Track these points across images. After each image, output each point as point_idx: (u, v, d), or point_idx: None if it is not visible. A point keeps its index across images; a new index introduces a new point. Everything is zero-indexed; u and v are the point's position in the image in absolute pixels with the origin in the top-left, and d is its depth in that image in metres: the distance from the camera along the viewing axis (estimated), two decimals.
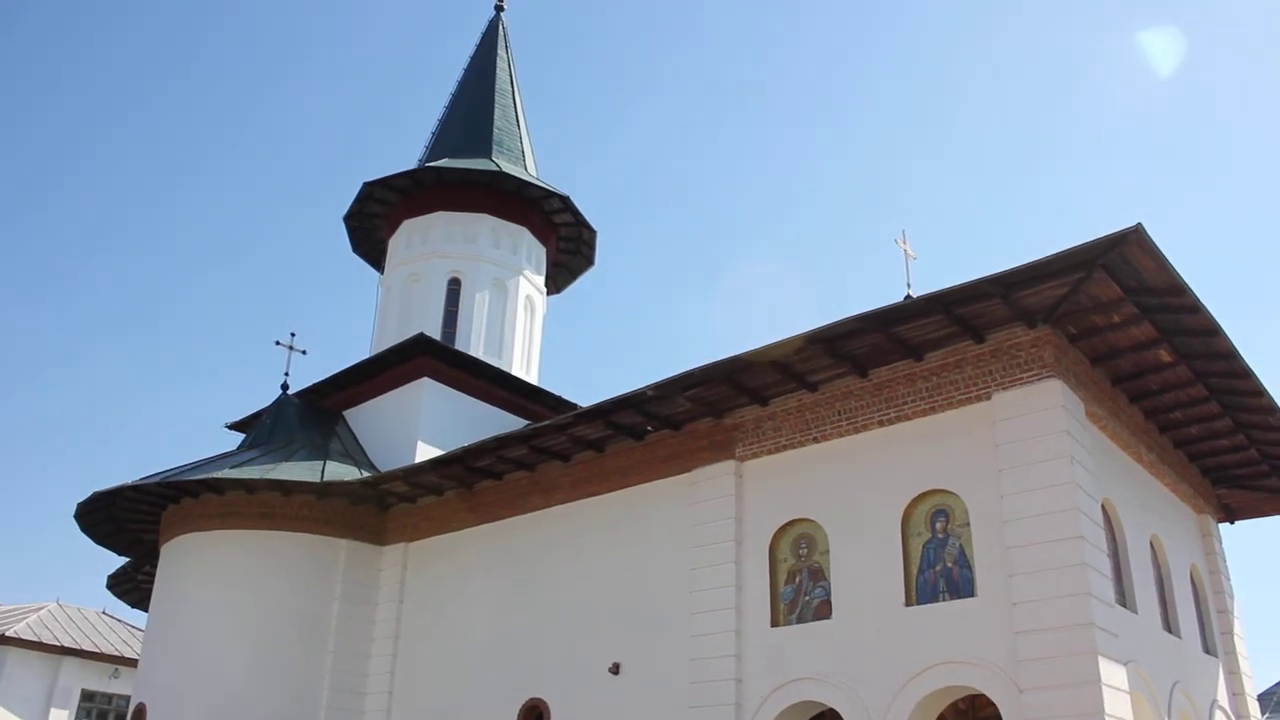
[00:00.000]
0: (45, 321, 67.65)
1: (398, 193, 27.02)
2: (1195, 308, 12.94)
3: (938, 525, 14.08)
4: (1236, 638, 17.80)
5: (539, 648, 18.00)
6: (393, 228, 27.59)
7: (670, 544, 16.64)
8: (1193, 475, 17.92)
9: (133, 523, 22.81)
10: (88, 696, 33.26)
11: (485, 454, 18.75)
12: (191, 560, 21.07)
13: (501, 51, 30.55)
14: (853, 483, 14.95)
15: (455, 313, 25.71)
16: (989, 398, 13.89)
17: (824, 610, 14.73)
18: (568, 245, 28.78)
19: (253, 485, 20.38)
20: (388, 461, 21.87)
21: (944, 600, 13.65)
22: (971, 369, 14.14)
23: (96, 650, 33.44)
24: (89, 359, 68.75)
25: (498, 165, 26.83)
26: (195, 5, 68.40)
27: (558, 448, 18.29)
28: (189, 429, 66.87)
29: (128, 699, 27.24)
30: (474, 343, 25.20)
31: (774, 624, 15.12)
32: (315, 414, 23.66)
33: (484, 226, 26.53)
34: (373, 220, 28.06)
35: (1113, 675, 12.17)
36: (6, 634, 31.55)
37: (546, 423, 17.90)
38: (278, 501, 20.72)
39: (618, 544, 17.55)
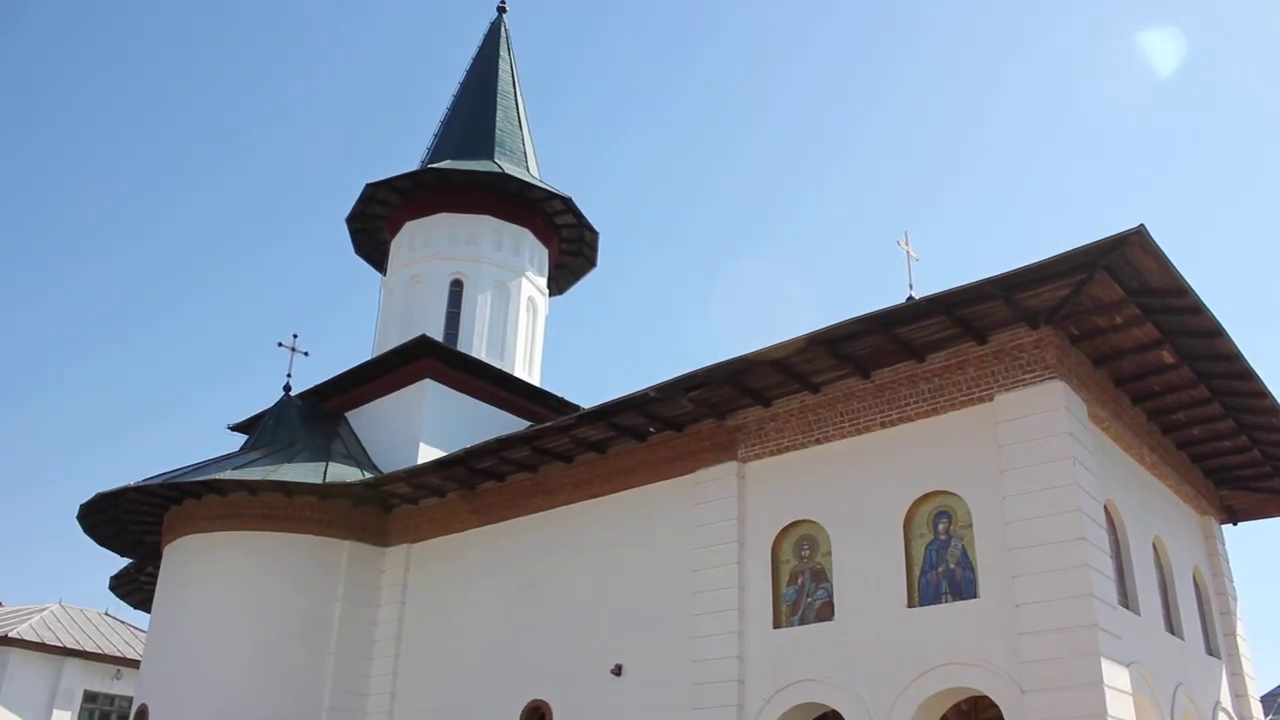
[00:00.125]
0: (48, 323, 67.79)
1: (400, 194, 27.04)
2: (1198, 309, 12.93)
3: (940, 527, 14.07)
4: (1239, 639, 17.78)
5: (541, 649, 18.00)
6: (395, 229, 27.61)
7: (672, 545, 16.64)
8: (1195, 477, 17.90)
9: (135, 524, 22.83)
10: (90, 698, 33.27)
11: (487, 455, 18.75)
12: (194, 561, 21.08)
13: (504, 53, 30.57)
14: (855, 484, 14.94)
15: (457, 314, 25.73)
16: (991, 399, 13.88)
17: (826, 612, 14.72)
18: (570, 246, 28.78)
19: (255, 486, 20.39)
20: (390, 463, 21.89)
21: (946, 602, 13.63)
22: (974, 370, 14.14)
23: (99, 651, 33.45)
24: (91, 361, 68.88)
25: (500, 167, 26.85)
26: (198, 7, 68.52)
27: (560, 449, 18.29)
28: (191, 430, 67.04)
29: (130, 700, 27.26)
30: (476, 344, 25.21)
31: (776, 625, 15.12)
32: (318, 415, 23.68)
33: (486, 228, 26.54)
34: (375, 222, 28.08)
35: (1115, 677, 12.16)
36: (9, 635, 31.56)
37: (549, 424, 17.91)
38: (280, 503, 20.73)
39: (620, 545, 17.55)
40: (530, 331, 26.99)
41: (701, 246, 70.34)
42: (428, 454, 21.48)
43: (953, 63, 65.13)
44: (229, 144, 71.12)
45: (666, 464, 17.24)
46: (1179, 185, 61.80)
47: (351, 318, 66.43)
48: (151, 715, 20.22)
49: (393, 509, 21.63)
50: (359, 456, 22.35)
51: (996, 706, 12.92)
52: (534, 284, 27.20)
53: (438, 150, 28.57)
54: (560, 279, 29.67)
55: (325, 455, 21.68)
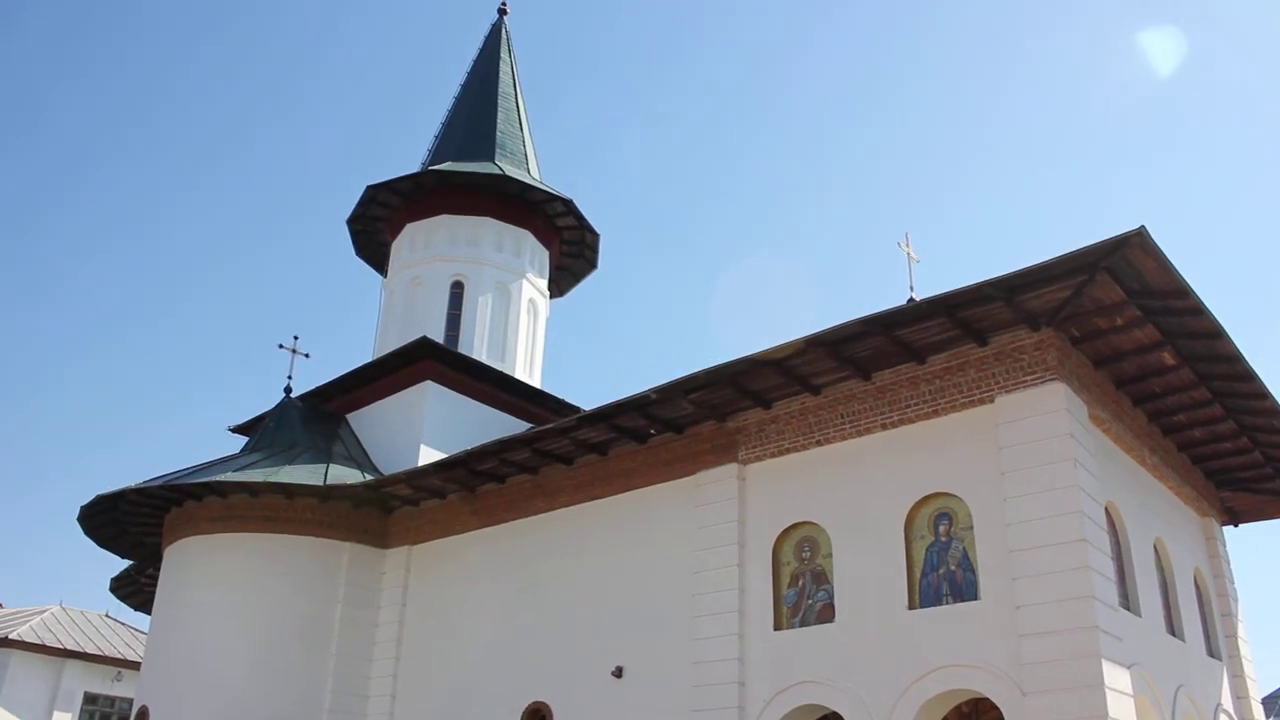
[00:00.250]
0: (49, 325, 67.82)
1: (401, 196, 27.05)
2: (1199, 310, 12.92)
3: (941, 528, 14.06)
4: (1240, 641, 17.77)
5: (541, 651, 17.99)
6: (396, 231, 27.62)
7: (673, 547, 16.63)
8: (1196, 478, 17.90)
9: (136, 526, 22.83)
10: (90, 699, 33.27)
11: (488, 457, 18.75)
12: (195, 563, 21.08)
13: (504, 55, 30.59)
14: (856, 486, 14.93)
15: (458, 316, 25.74)
16: (992, 401, 13.88)
17: (827, 614, 14.71)
18: (571, 248, 28.79)
19: (256, 488, 20.39)
20: (391, 465, 21.89)
21: (947, 603, 13.62)
22: (974, 372, 14.13)
23: (99, 653, 33.46)
24: (93, 362, 68.91)
25: (500, 168, 26.86)
26: (199, 10, 68.57)
27: (561, 451, 18.29)
28: (192, 432, 67.06)
29: (131, 702, 27.25)
30: (477, 346, 25.22)
31: (777, 627, 15.11)
32: (318, 417, 23.68)
33: (487, 230, 26.55)
34: (376, 224, 28.09)
35: (1116, 679, 12.15)
36: (10, 637, 31.58)
37: (549, 426, 17.91)
38: (281, 504, 20.73)
39: (620, 547, 17.55)
40: (531, 333, 26.99)
41: (702, 248, 70.41)
42: (428, 456, 21.48)
43: (953, 65, 65.18)
44: (230, 145, 71.24)
45: (667, 466, 17.24)
46: (1180, 186, 61.83)
47: (352, 319, 66.50)
48: (152, 717, 20.21)
49: (393, 511, 21.63)
50: (359, 458, 22.36)
51: (997, 708, 12.91)
52: (535, 286, 27.20)
53: (438, 152, 28.59)
54: (561, 281, 29.68)
55: (326, 457, 21.68)
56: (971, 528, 13.71)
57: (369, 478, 20.89)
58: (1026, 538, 12.89)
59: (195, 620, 20.42)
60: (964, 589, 13.57)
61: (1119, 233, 11.83)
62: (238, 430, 25.91)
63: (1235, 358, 13.93)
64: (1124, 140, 62.89)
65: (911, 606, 13.84)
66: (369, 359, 24.87)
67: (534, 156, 29.23)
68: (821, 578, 15.00)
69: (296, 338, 25.15)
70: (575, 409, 22.60)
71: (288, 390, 24.26)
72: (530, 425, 22.03)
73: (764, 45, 68.42)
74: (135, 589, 27.29)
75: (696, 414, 16.49)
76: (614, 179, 68.34)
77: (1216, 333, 13.32)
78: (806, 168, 69.67)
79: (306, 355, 25.41)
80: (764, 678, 14.83)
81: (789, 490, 15.65)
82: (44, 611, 34.66)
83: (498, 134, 28.44)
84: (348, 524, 21.20)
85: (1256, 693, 17.88)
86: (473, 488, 20.08)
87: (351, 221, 27.99)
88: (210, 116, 70.62)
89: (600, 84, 72.45)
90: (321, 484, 20.31)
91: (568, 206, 27.15)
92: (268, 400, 26.39)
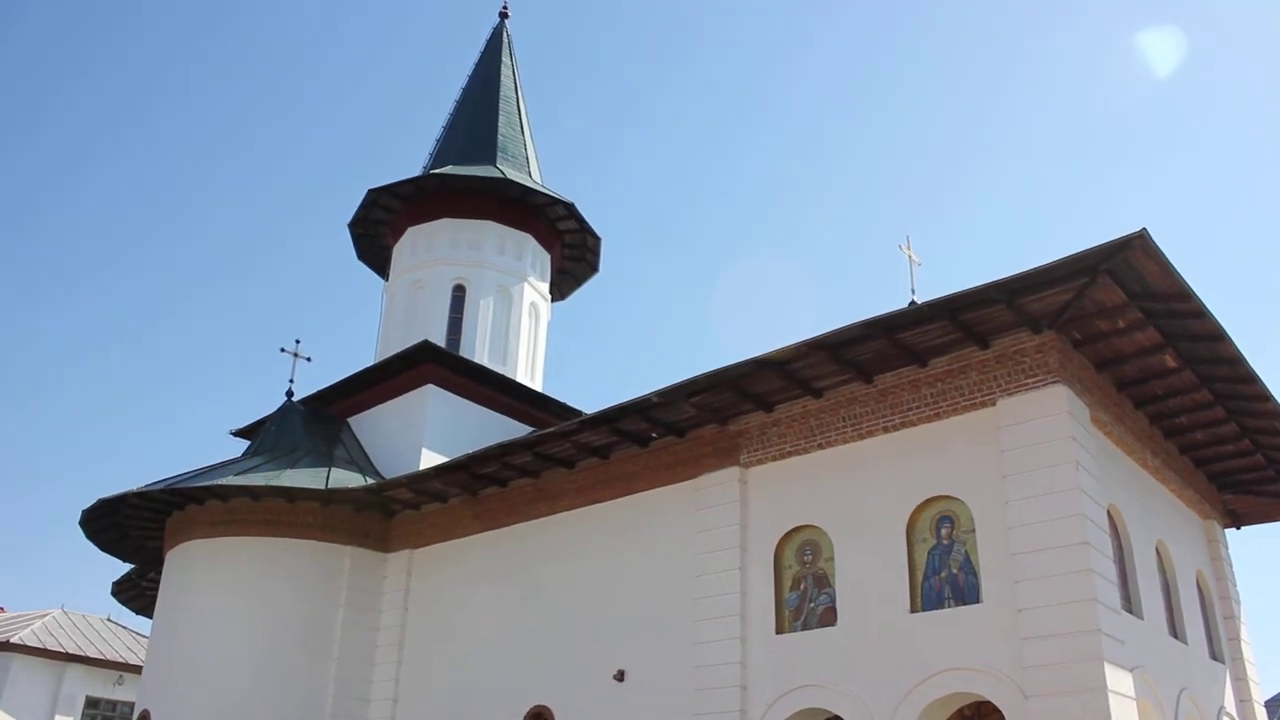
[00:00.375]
0: (51, 328, 67.87)
1: (402, 200, 27.06)
2: (1200, 313, 12.92)
3: (943, 531, 14.05)
4: (1243, 644, 17.73)
5: (543, 654, 17.97)
6: (397, 235, 27.63)
7: (675, 551, 16.62)
8: (1198, 480, 17.88)
9: (137, 529, 22.83)
10: (92, 703, 33.27)
11: (490, 461, 18.74)
12: (196, 567, 21.08)
13: (506, 59, 30.61)
14: (857, 489, 14.92)
15: (460, 320, 25.75)
16: (994, 404, 13.87)
17: (829, 617, 14.70)
18: (572, 252, 28.80)
19: (257, 492, 20.39)
20: (392, 468, 21.88)
21: (949, 607, 13.60)
22: (976, 375, 14.13)
23: (101, 657, 33.47)
24: (94, 366, 68.96)
25: (502, 172, 26.87)
26: (200, 15, 68.66)
27: (562, 454, 18.29)
28: (194, 436, 67.12)
29: (132, 706, 27.27)
30: (479, 349, 25.22)
31: (779, 631, 15.09)
32: (320, 421, 23.68)
33: (488, 233, 26.56)
34: (377, 227, 28.10)
35: (1119, 682, 12.13)
36: (11, 640, 31.58)
37: (551, 429, 17.91)
38: (282, 508, 20.73)
39: (622, 551, 17.53)
40: (532, 337, 26.99)
41: (703, 251, 70.43)
42: (430, 459, 21.48)
43: (953, 65, 65.20)
44: (231, 148, 71.31)
45: (668, 469, 17.23)
46: (1180, 186, 61.83)
47: (354, 323, 66.64)
48: None
49: (395, 514, 21.62)
50: (361, 462, 22.36)
51: (1000, 712, 12.87)
52: (536, 289, 27.20)
53: (440, 156, 28.61)
54: (562, 284, 29.68)
55: (327, 461, 21.68)
56: (973, 531, 13.69)
57: (370, 481, 20.89)
58: (1028, 541, 12.87)
59: (197, 624, 20.41)
60: (966, 592, 13.55)
61: (1120, 235, 11.83)
62: (239, 434, 25.93)
63: (1237, 360, 13.93)
64: (1124, 140, 62.95)
65: (913, 610, 13.82)
66: (370, 363, 24.87)
67: (535, 160, 29.25)
68: (823, 581, 14.99)
69: (298, 341, 25.22)
70: (577, 412, 22.60)
71: (289, 394, 24.27)
72: (532, 429, 22.04)
73: (764, 45, 68.52)
74: (137, 593, 27.29)
75: (698, 417, 16.48)
76: (614, 181, 68.45)
77: (1218, 335, 13.32)
78: (806, 168, 69.75)
79: (308, 359, 25.46)
80: (766, 681, 14.81)
81: (791, 493, 15.64)
82: (45, 615, 34.67)
83: (499, 137, 28.46)
84: (349, 528, 21.19)
85: (1260, 695, 17.84)
86: (474, 491, 20.08)
87: (353, 225, 28.00)
88: (212, 119, 70.77)
89: (601, 85, 72.56)
90: (323, 488, 20.31)
91: (569, 210, 27.16)
92: (269, 404, 26.49)
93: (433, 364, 22.88)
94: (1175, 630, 15.57)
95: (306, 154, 72.23)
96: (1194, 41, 56.04)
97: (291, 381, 24.49)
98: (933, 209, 63.28)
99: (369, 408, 23.85)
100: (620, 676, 16.63)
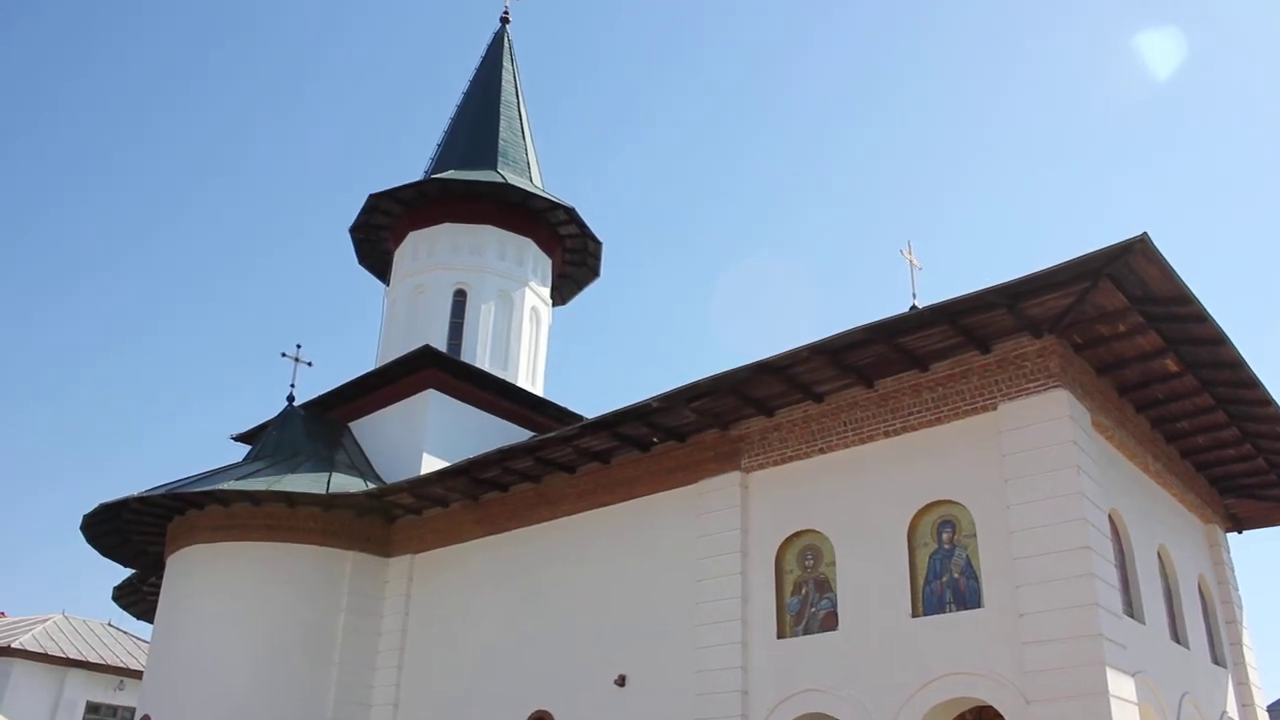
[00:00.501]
0: (52, 333, 67.91)
1: (403, 205, 27.09)
2: (1201, 317, 12.92)
3: (944, 536, 14.04)
4: (1245, 648, 17.71)
5: (545, 659, 17.96)
6: (398, 240, 27.66)
7: (676, 555, 16.61)
8: (1200, 485, 17.86)
9: (138, 534, 22.83)
10: (93, 708, 33.22)
11: (491, 465, 18.74)
12: (197, 572, 21.07)
13: (507, 64, 30.66)
14: (859, 494, 14.92)
15: (461, 324, 25.77)
16: (995, 408, 13.86)
17: (830, 622, 14.68)
18: (573, 257, 28.82)
19: (258, 497, 20.39)
20: (393, 473, 21.88)
21: (951, 611, 13.59)
22: (977, 379, 14.13)
23: (102, 662, 33.43)
24: (95, 372, 69.00)
25: (503, 177, 26.89)
26: (201, 20, 68.76)
27: (563, 459, 18.29)
28: (195, 441, 67.14)
29: (133, 711, 27.23)
30: (479, 354, 25.22)
31: (780, 635, 15.08)
32: (321, 426, 23.68)
33: (489, 238, 26.59)
34: (378, 232, 28.13)
35: (1121, 686, 12.12)
36: (12, 645, 31.55)
37: (552, 434, 17.90)
38: (283, 513, 20.73)
39: (623, 555, 17.53)
40: (533, 341, 27.00)
41: (704, 256, 70.46)
42: (431, 464, 21.47)
43: (953, 65, 65.25)
44: (232, 153, 71.40)
45: (670, 474, 17.23)
46: (1181, 187, 61.86)
47: (355, 328, 66.64)
48: None
49: (396, 519, 21.61)
50: (362, 467, 22.36)
51: (1001, 717, 12.86)
52: (537, 294, 27.22)
53: (441, 160, 28.64)
54: (563, 289, 29.70)
55: (328, 466, 21.68)
56: (975, 535, 13.68)
57: (372, 486, 20.89)
58: (1030, 545, 12.86)
59: (198, 629, 20.40)
60: (967, 597, 13.54)
61: (1122, 239, 11.83)
62: (240, 439, 25.95)
63: (1238, 364, 13.92)
64: (1125, 141, 63.00)
65: (915, 614, 13.81)
66: (372, 367, 24.88)
67: (536, 164, 29.28)
68: (824, 586, 14.97)
69: (299, 346, 25.26)
70: (578, 417, 22.58)
71: (290, 399, 24.29)
72: (533, 433, 22.02)
73: (764, 45, 68.58)
74: (138, 598, 27.28)
75: (699, 422, 16.48)
76: (615, 184, 68.51)
77: (1219, 339, 13.32)
78: (809, 176, 69.80)
79: (309, 364, 25.48)
80: (767, 686, 14.80)
81: (792, 498, 15.64)
82: (46, 620, 34.64)
83: (500, 142, 28.50)
84: (350, 532, 21.19)
85: (1262, 700, 17.81)
86: (475, 496, 20.08)
87: (354, 230, 28.03)
88: (213, 124, 70.85)
89: (601, 87, 72.66)
90: (324, 492, 20.31)
91: (570, 215, 27.18)
92: (270, 409, 26.48)
93: (434, 369, 22.89)
94: (1177, 635, 15.55)
95: (307, 158, 72.37)
96: (1194, 42, 56.15)
97: (293, 386, 24.55)
98: (933, 209, 63.39)
99: (370, 412, 23.86)
100: (621, 681, 16.62)
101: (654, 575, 16.87)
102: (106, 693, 33.50)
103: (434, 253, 26.57)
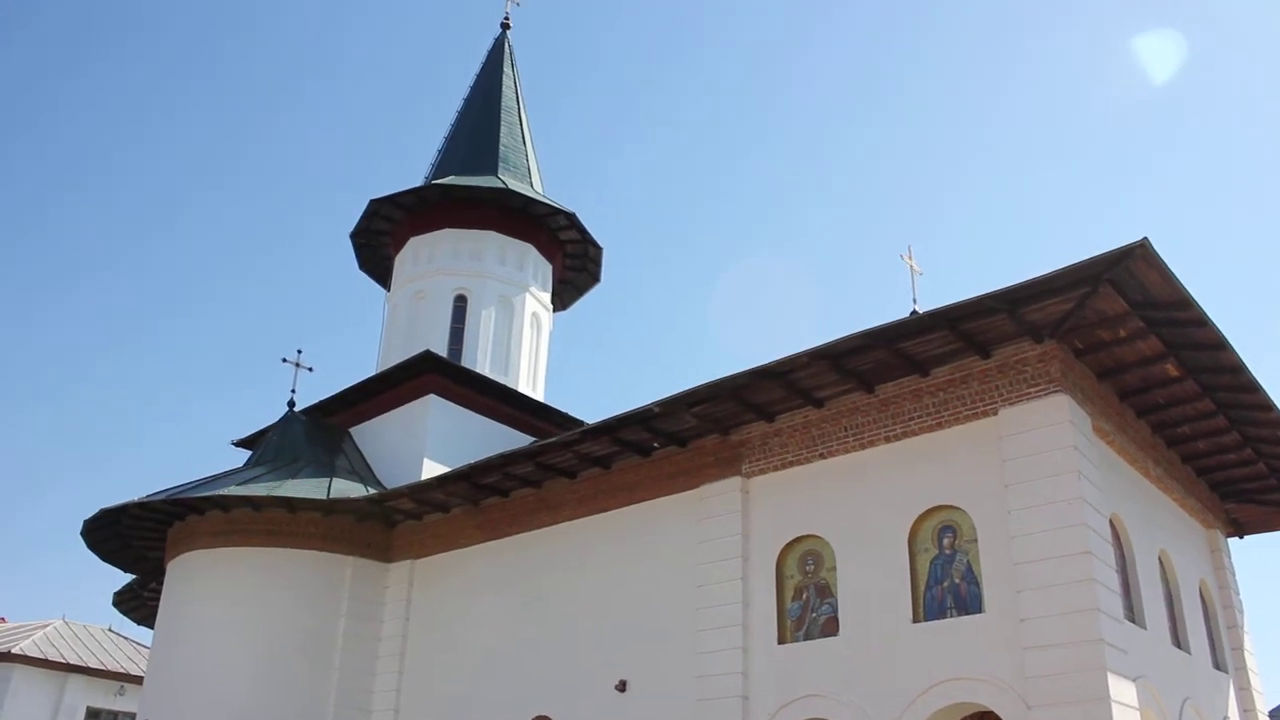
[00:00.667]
0: (52, 337, 67.93)
1: (404, 210, 27.12)
2: (1202, 321, 12.93)
3: (945, 541, 14.03)
4: (1247, 653, 17.69)
5: (545, 664, 17.95)
6: (399, 245, 27.68)
7: (676, 561, 16.61)
8: (1201, 490, 17.86)
9: (139, 540, 22.82)
10: (93, 714, 33.22)
11: (492, 471, 18.75)
12: (197, 577, 21.07)
13: (507, 69, 30.71)
14: (859, 499, 14.92)
15: (461, 330, 25.78)
16: (995, 413, 13.87)
17: (831, 627, 14.67)
18: (574, 262, 28.84)
19: (259, 502, 20.39)
20: (394, 478, 21.88)
21: (952, 616, 13.59)
22: (978, 384, 14.13)
23: (102, 667, 33.42)
24: (95, 376, 68.99)
25: (504, 182, 26.92)
26: (202, 24, 68.88)
27: (564, 464, 18.29)
28: (195, 446, 67.12)
29: (134, 716, 27.21)
30: (480, 360, 25.23)
31: (781, 641, 15.07)
32: (322, 431, 23.68)
33: (490, 243, 26.60)
34: (379, 238, 28.15)
35: (1122, 691, 12.11)
36: (12, 651, 31.54)
37: (553, 439, 17.90)
38: (284, 519, 20.73)
39: (624, 560, 17.52)
40: (534, 347, 27.01)
41: (705, 260, 70.48)
42: (431, 469, 21.47)
43: (953, 66, 65.32)
44: (233, 159, 71.46)
45: (670, 479, 17.23)
46: (1181, 189, 61.89)
47: (355, 333, 66.66)
48: None
49: (397, 525, 21.61)
50: (363, 472, 22.36)
51: None
52: (538, 299, 27.23)
53: (442, 166, 28.67)
54: (564, 294, 29.72)
55: (329, 471, 21.68)
56: (975, 540, 13.68)
57: (372, 491, 20.88)
58: (1031, 550, 12.86)
59: (198, 634, 20.39)
60: (968, 602, 13.53)
61: (1122, 244, 11.84)
62: (241, 444, 25.92)
63: (1239, 369, 13.93)
64: (1125, 143, 63.04)
65: (916, 620, 13.81)
66: (372, 373, 24.90)
67: (537, 170, 29.31)
68: (825, 591, 14.97)
69: (300, 351, 25.23)
70: (578, 422, 22.59)
71: (291, 404, 24.29)
72: (533, 439, 22.02)
73: (764, 45, 68.64)
74: (138, 603, 27.28)
75: (699, 427, 16.48)
76: (615, 187, 68.55)
77: (1220, 344, 13.32)
78: (809, 181, 69.83)
79: (310, 369, 25.47)
80: (768, 691, 14.79)
81: (792, 503, 15.63)
82: (46, 626, 34.63)
83: (501, 147, 28.53)
84: (351, 538, 21.18)
85: (1263, 705, 17.79)
86: (476, 501, 20.08)
87: (355, 236, 28.05)
88: (214, 127, 70.93)
89: (601, 89, 72.73)
90: (325, 498, 20.31)
91: (571, 220, 27.20)
92: (271, 414, 26.44)
93: (434, 374, 22.90)
94: (1178, 640, 15.54)
95: (308, 162, 72.45)
96: (1194, 44, 56.20)
97: (293, 391, 24.54)
98: (933, 211, 63.40)
99: (371, 418, 23.86)
100: (622, 686, 16.61)
101: (655, 580, 16.87)
102: (107, 698, 33.50)
103: (435, 258, 26.60)
